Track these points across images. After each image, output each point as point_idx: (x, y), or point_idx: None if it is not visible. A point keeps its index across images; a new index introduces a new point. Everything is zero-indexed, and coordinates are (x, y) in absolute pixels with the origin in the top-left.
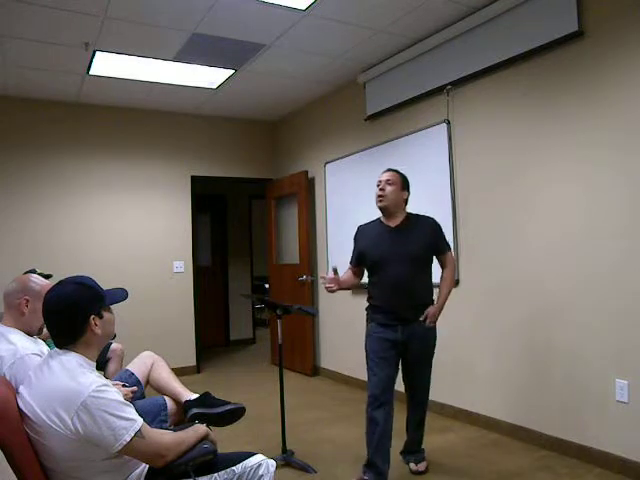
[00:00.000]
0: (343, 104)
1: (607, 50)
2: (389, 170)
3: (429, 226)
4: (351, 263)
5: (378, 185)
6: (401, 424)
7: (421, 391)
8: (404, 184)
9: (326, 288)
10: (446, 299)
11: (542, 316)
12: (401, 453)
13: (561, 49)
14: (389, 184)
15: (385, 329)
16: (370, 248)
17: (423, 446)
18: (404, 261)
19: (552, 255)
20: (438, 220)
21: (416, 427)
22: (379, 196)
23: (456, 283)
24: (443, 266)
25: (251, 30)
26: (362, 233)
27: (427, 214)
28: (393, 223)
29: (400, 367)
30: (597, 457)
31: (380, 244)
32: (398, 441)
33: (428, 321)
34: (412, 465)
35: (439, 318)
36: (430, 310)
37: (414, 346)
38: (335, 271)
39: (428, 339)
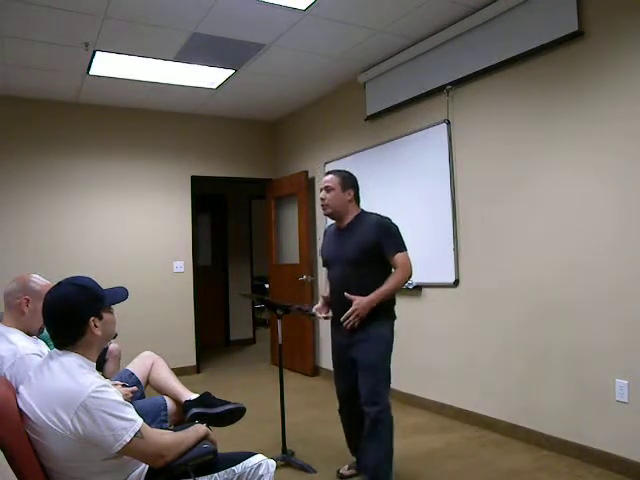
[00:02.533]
0: (343, 104)
1: (607, 50)
2: (328, 173)
3: (371, 226)
4: (323, 264)
5: (320, 190)
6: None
7: (366, 401)
8: (345, 184)
9: (323, 318)
10: (380, 295)
11: (542, 316)
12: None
13: (561, 49)
14: (328, 190)
15: (336, 332)
16: (324, 249)
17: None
18: (341, 263)
19: (552, 255)
20: (438, 220)
21: (366, 439)
22: (322, 205)
23: (456, 283)
24: (394, 268)
25: (251, 30)
26: (325, 234)
27: (427, 214)
28: (342, 224)
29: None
30: (597, 457)
31: (329, 245)
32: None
33: (346, 324)
34: (344, 469)
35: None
36: (350, 312)
37: (356, 351)
38: (324, 298)
39: (370, 343)
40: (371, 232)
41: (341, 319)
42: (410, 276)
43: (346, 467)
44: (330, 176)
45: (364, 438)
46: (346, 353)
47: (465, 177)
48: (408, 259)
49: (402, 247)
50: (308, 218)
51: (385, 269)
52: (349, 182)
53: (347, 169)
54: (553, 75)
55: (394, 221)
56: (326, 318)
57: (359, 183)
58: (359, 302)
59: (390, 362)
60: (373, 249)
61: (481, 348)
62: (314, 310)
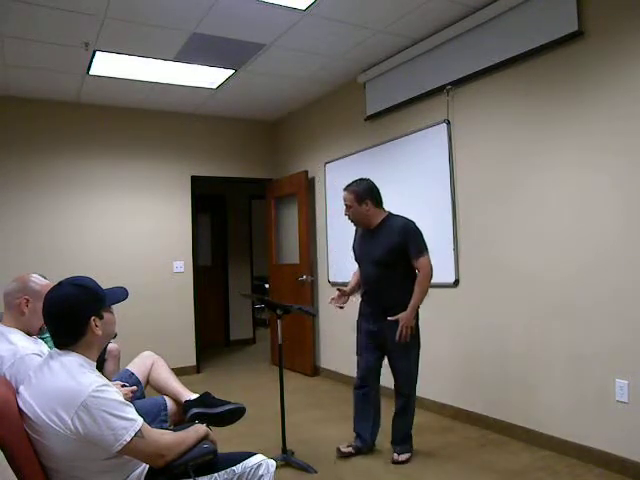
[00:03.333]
0: (343, 104)
1: (607, 50)
2: (344, 190)
3: (397, 229)
4: (354, 260)
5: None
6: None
7: (400, 380)
8: (360, 198)
9: (338, 307)
10: (416, 305)
11: (542, 316)
12: (390, 443)
13: (561, 49)
14: (348, 208)
15: (365, 321)
16: (356, 247)
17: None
18: (371, 262)
19: (552, 255)
20: (438, 220)
21: (395, 416)
22: (350, 220)
23: (456, 283)
24: (417, 270)
25: (251, 30)
26: (356, 232)
27: (427, 214)
28: (372, 225)
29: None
30: (597, 457)
31: (361, 244)
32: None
33: (402, 339)
34: (394, 455)
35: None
36: (400, 329)
37: (388, 338)
38: (340, 290)
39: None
40: (397, 235)
41: (396, 338)
42: (432, 276)
43: (345, 444)
44: (345, 194)
45: (396, 409)
46: (374, 339)
47: (465, 177)
48: (429, 262)
49: (425, 250)
50: (308, 218)
51: (411, 268)
52: (364, 194)
53: (347, 169)
54: (553, 75)
55: None
56: (341, 307)
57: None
58: (405, 318)
59: (420, 348)
60: (399, 251)
61: (481, 348)
62: (330, 300)
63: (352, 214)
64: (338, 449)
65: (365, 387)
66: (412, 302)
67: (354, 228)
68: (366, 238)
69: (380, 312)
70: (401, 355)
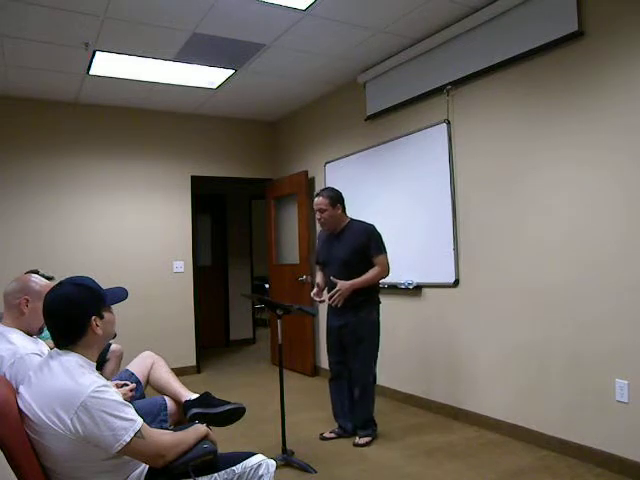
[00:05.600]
0: (343, 104)
1: (607, 50)
2: (317, 195)
3: (360, 232)
4: (316, 262)
5: (315, 210)
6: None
7: (356, 370)
8: (333, 202)
9: (321, 301)
10: (361, 282)
11: (542, 316)
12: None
13: (561, 49)
14: (322, 212)
15: (332, 318)
16: (321, 250)
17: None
18: (337, 263)
19: (552, 255)
20: (438, 220)
21: (355, 404)
22: (321, 224)
23: (456, 283)
24: (375, 266)
25: (251, 30)
26: (319, 237)
27: (427, 214)
28: (338, 229)
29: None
30: (597, 457)
31: (326, 247)
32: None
33: (331, 302)
34: (356, 438)
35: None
36: (334, 292)
37: (348, 331)
38: (316, 285)
39: (360, 325)
40: (360, 237)
41: (327, 296)
42: (387, 274)
43: (329, 431)
44: (320, 198)
45: (353, 395)
46: (339, 333)
47: (465, 177)
48: (387, 261)
49: (383, 250)
50: (308, 218)
51: (370, 267)
52: (336, 199)
53: (347, 169)
54: (553, 75)
55: (394, 222)
56: (321, 301)
57: (359, 183)
58: (342, 284)
59: (379, 338)
60: (362, 251)
61: (481, 348)
62: (312, 295)
63: (326, 218)
64: (321, 435)
65: (338, 380)
66: (359, 278)
67: (320, 230)
68: (331, 241)
69: (346, 307)
70: (357, 346)
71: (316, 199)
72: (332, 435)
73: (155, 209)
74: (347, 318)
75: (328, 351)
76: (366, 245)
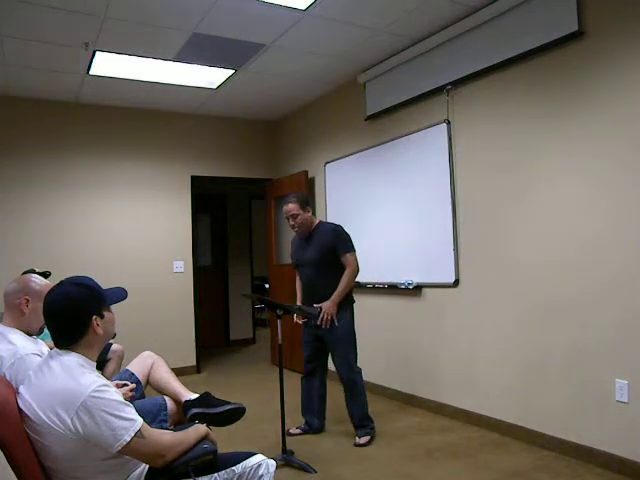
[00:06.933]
0: (343, 104)
1: (607, 50)
2: (285, 204)
3: (328, 233)
4: (293, 266)
5: (286, 218)
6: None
7: (341, 369)
8: (302, 205)
9: (303, 322)
10: (339, 295)
11: (542, 316)
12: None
13: (561, 49)
14: (295, 217)
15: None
16: (294, 253)
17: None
18: (309, 264)
19: (552, 255)
20: (438, 220)
21: (347, 403)
22: (294, 229)
23: (456, 283)
24: (345, 265)
25: (251, 30)
26: (293, 242)
27: (427, 214)
28: (306, 233)
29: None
30: (597, 457)
31: (298, 250)
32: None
33: (323, 325)
34: (356, 439)
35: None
36: (322, 315)
37: (326, 332)
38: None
39: (339, 324)
40: (328, 238)
41: (317, 323)
42: (357, 272)
43: (295, 427)
44: (289, 205)
45: (345, 397)
46: (315, 332)
47: (465, 177)
48: (355, 258)
49: (351, 248)
50: None
51: (341, 267)
52: (304, 201)
53: (347, 169)
54: (553, 75)
55: (394, 222)
56: (303, 322)
57: (359, 183)
58: (325, 306)
59: (355, 336)
60: (331, 251)
61: (481, 348)
62: (294, 320)
63: (300, 222)
64: (288, 431)
65: (309, 377)
66: (336, 292)
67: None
68: (303, 244)
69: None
70: (337, 347)
71: (285, 207)
72: (298, 431)
73: (155, 209)
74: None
75: (305, 349)
76: (334, 245)
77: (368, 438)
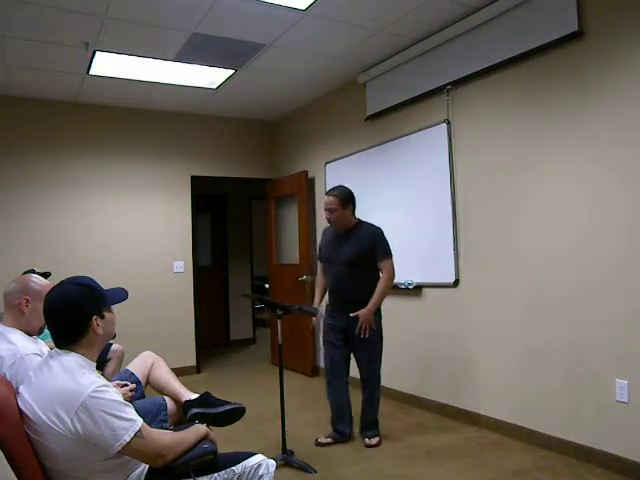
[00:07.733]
0: (343, 104)
1: (607, 50)
2: (328, 195)
3: (367, 235)
4: (319, 259)
5: (325, 209)
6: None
7: (365, 373)
8: (344, 202)
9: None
10: (376, 303)
11: (542, 316)
12: (359, 431)
13: (561, 49)
14: (331, 211)
15: (332, 317)
16: (324, 247)
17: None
18: (340, 262)
19: (552, 255)
20: (438, 220)
21: (363, 405)
22: (329, 221)
23: (456, 283)
24: (380, 270)
25: (251, 30)
26: (324, 234)
27: (427, 214)
28: (342, 229)
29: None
30: (597, 457)
31: (330, 245)
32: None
33: (362, 334)
34: (366, 440)
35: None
36: (360, 324)
37: (354, 333)
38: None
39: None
40: (367, 240)
41: (356, 333)
42: (393, 278)
43: (323, 437)
44: (330, 198)
45: (363, 398)
46: (341, 334)
47: (465, 177)
48: (392, 264)
49: (390, 254)
50: (308, 218)
51: (374, 269)
52: (347, 200)
53: (347, 169)
54: (553, 75)
55: (395, 222)
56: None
57: (359, 183)
58: (363, 314)
59: (382, 341)
60: (368, 253)
61: (481, 348)
62: (313, 323)
63: (335, 217)
64: (317, 441)
65: (338, 381)
66: (372, 299)
67: (326, 226)
68: (337, 240)
69: (347, 308)
70: (366, 350)
71: (326, 198)
72: (328, 440)
73: (155, 209)
74: (351, 322)
75: (328, 351)
76: (373, 249)
77: (378, 439)
